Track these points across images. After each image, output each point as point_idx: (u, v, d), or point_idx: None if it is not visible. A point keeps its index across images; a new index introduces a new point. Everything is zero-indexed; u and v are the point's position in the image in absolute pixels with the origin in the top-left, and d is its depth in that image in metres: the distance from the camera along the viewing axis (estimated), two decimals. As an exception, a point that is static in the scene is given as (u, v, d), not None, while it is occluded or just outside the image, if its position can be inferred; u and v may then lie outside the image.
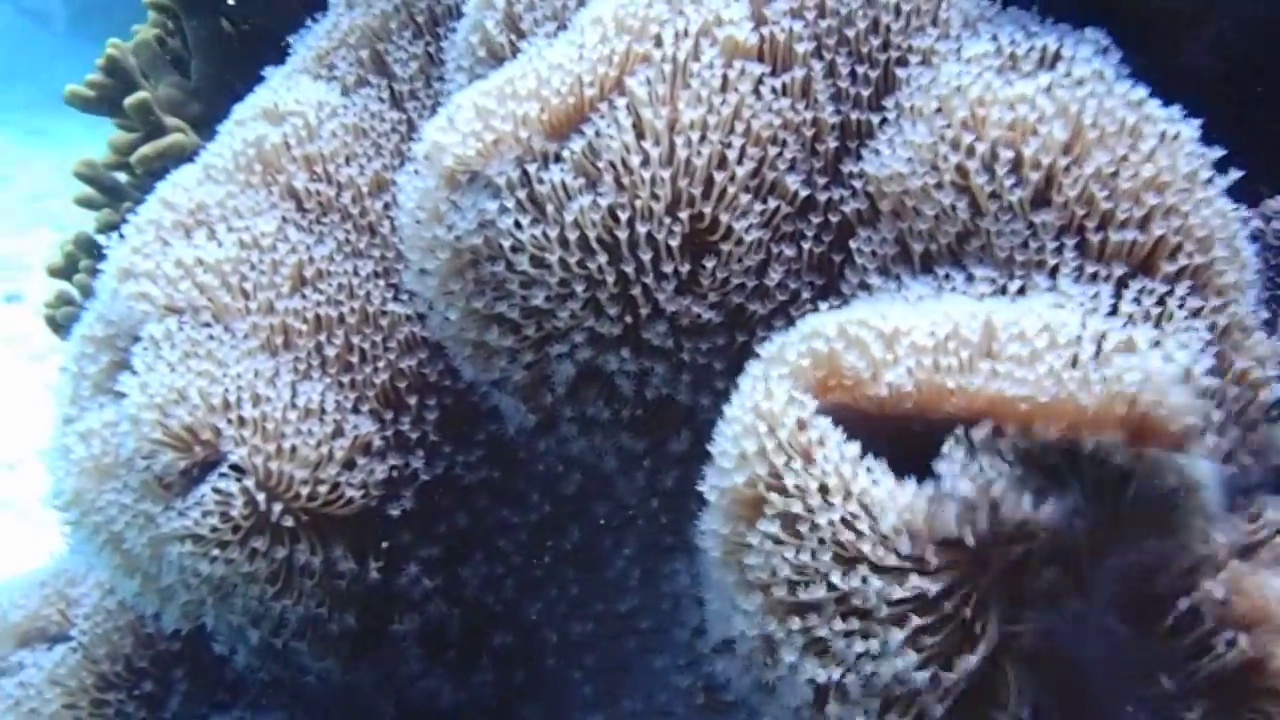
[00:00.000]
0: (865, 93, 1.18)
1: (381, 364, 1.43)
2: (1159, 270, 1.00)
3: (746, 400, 0.94)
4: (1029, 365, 0.84)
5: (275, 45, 1.66)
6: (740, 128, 1.15)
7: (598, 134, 1.13)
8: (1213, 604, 0.87)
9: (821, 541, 0.86)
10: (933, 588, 0.84)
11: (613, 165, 1.13)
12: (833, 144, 1.19)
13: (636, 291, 1.18)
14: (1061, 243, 1.02)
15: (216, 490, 1.26)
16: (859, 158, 1.18)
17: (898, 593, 0.84)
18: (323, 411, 1.35)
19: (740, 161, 1.15)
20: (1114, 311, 0.98)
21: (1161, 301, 0.99)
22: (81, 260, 2.52)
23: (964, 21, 1.15)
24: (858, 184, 1.18)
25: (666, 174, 1.13)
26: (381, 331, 1.44)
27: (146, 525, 1.28)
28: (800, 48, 1.18)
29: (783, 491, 0.88)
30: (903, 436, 0.89)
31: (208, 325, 1.33)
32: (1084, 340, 0.84)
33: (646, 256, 1.15)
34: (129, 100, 2.34)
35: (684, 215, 1.14)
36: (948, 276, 1.08)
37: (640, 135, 1.13)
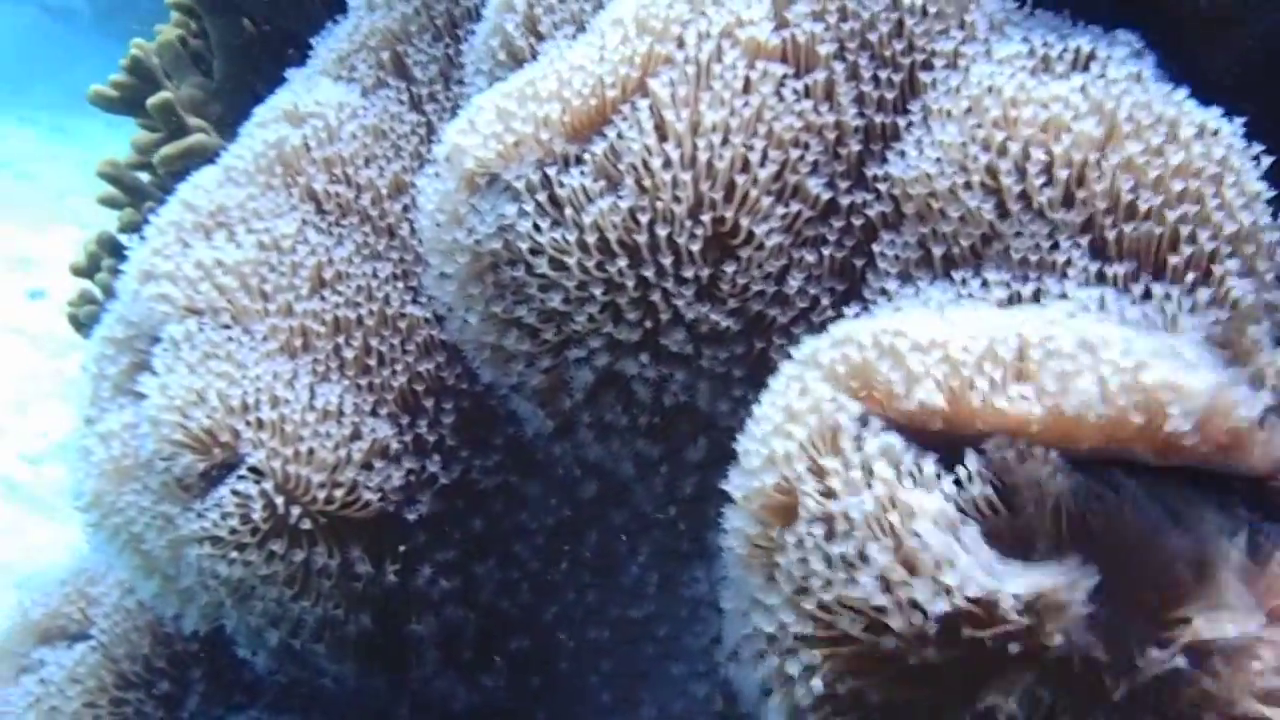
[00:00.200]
0: (889, 95, 1.17)
1: (399, 367, 1.43)
2: (1179, 269, 0.98)
3: (779, 400, 0.93)
4: (1062, 385, 0.83)
5: (298, 46, 1.67)
6: (762, 130, 1.14)
7: (619, 136, 1.12)
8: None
9: (861, 554, 0.84)
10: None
11: (634, 168, 1.12)
12: (855, 147, 1.18)
13: (656, 296, 1.17)
14: (1079, 241, 1.01)
15: (235, 492, 1.26)
16: (883, 160, 1.16)
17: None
18: (341, 414, 1.34)
19: (762, 164, 1.14)
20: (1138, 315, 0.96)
21: (1193, 289, 0.97)
22: (104, 259, 2.54)
23: (990, 24, 1.14)
24: (882, 187, 1.16)
25: (688, 177, 1.12)
26: (400, 334, 1.44)
27: (166, 527, 1.29)
28: (822, 49, 1.16)
29: (820, 495, 0.87)
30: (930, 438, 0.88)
31: (227, 327, 1.33)
32: (1118, 358, 0.82)
33: (667, 260, 1.14)
34: (151, 100, 2.36)
35: (706, 219, 1.13)
36: (964, 281, 1.06)
37: (662, 137, 1.12)
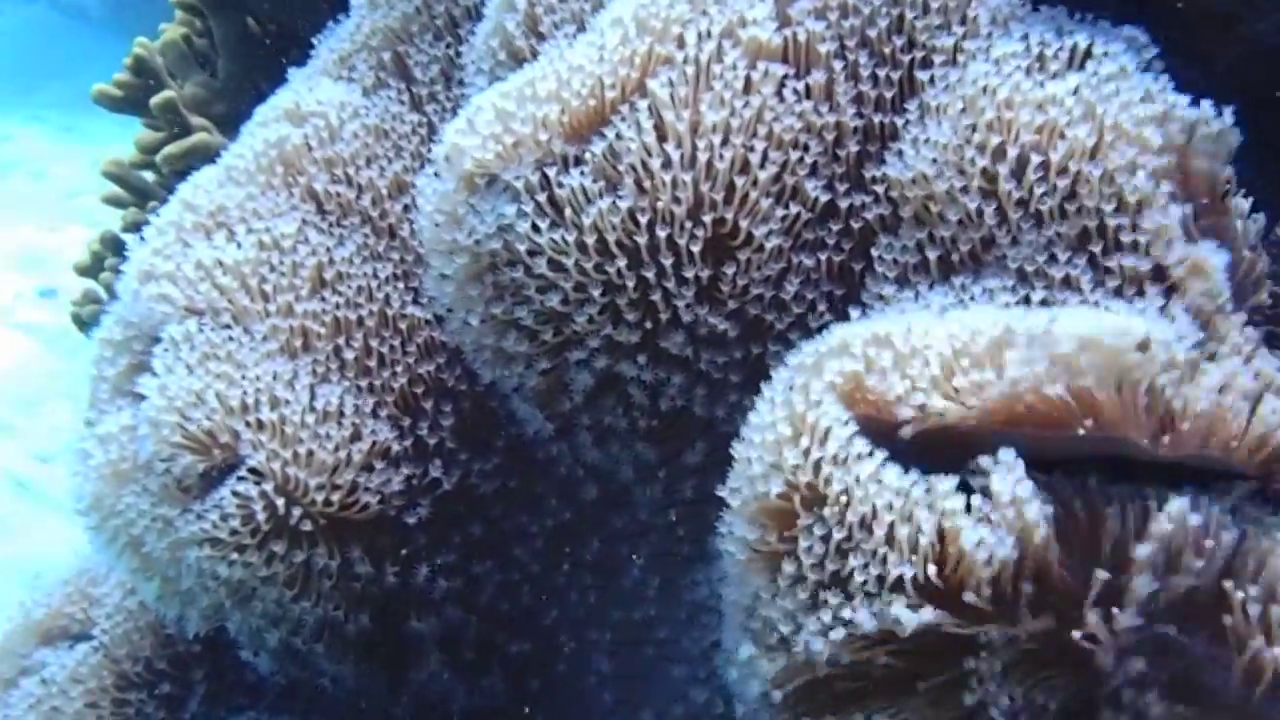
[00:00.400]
0: (888, 94, 1.15)
1: (400, 368, 1.42)
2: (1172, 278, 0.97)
3: (775, 405, 0.92)
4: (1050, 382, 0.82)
5: (301, 45, 1.66)
6: (763, 131, 1.13)
7: (619, 136, 1.12)
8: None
9: (864, 564, 0.84)
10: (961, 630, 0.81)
11: (633, 168, 1.11)
12: (854, 148, 1.17)
13: (656, 297, 1.16)
14: (1079, 250, 0.99)
15: (235, 494, 1.25)
16: (881, 161, 1.15)
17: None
18: (341, 414, 1.34)
19: (763, 166, 1.13)
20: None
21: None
22: (108, 258, 2.55)
23: (993, 19, 1.12)
24: (880, 189, 1.15)
25: (688, 177, 1.11)
26: (400, 335, 1.43)
27: (165, 529, 1.28)
28: (823, 48, 1.15)
29: (817, 500, 0.86)
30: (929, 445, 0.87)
31: (227, 327, 1.33)
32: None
33: (667, 261, 1.13)
34: (155, 99, 2.36)
35: (706, 219, 1.12)
36: (964, 287, 1.05)
37: (662, 138, 1.11)
